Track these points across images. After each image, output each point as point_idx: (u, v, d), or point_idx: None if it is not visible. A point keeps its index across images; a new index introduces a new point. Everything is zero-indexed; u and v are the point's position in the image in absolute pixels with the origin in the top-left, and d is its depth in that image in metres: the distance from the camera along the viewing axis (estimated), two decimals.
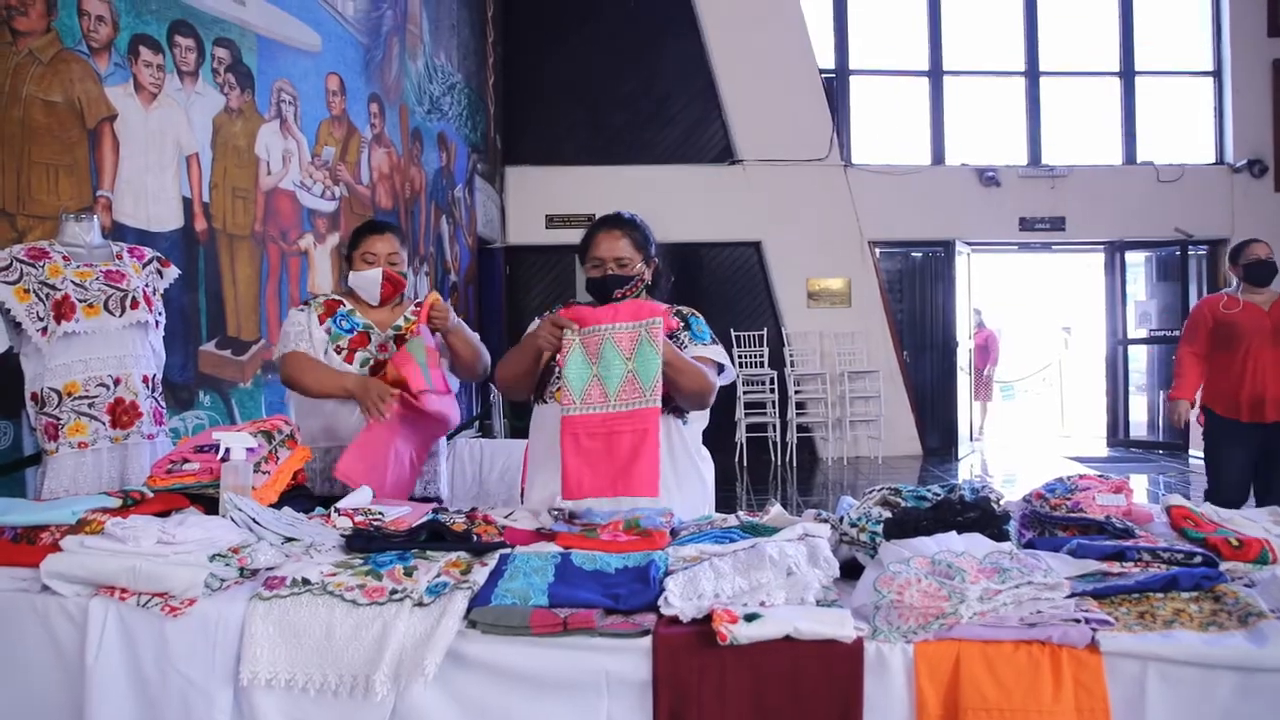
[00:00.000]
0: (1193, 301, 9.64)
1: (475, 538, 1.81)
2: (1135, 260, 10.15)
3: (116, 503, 1.82)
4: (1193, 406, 4.38)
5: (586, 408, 2.16)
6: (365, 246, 2.67)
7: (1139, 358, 10.22)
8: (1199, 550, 1.63)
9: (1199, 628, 1.42)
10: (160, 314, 2.75)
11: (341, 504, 2.05)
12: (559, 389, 2.22)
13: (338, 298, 2.72)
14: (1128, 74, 9.76)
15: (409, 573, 1.60)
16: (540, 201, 9.23)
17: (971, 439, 9.80)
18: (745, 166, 9.30)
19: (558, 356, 2.23)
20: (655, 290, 2.50)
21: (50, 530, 1.70)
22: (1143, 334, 9.90)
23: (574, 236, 9.97)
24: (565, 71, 9.30)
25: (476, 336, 2.77)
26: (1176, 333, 9.40)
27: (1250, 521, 1.84)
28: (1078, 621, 1.41)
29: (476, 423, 7.58)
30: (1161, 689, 1.38)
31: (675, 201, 8.96)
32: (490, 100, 8.66)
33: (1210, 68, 9.74)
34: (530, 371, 2.36)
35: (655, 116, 9.36)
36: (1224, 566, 1.62)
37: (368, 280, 2.65)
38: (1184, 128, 9.80)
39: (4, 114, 2.81)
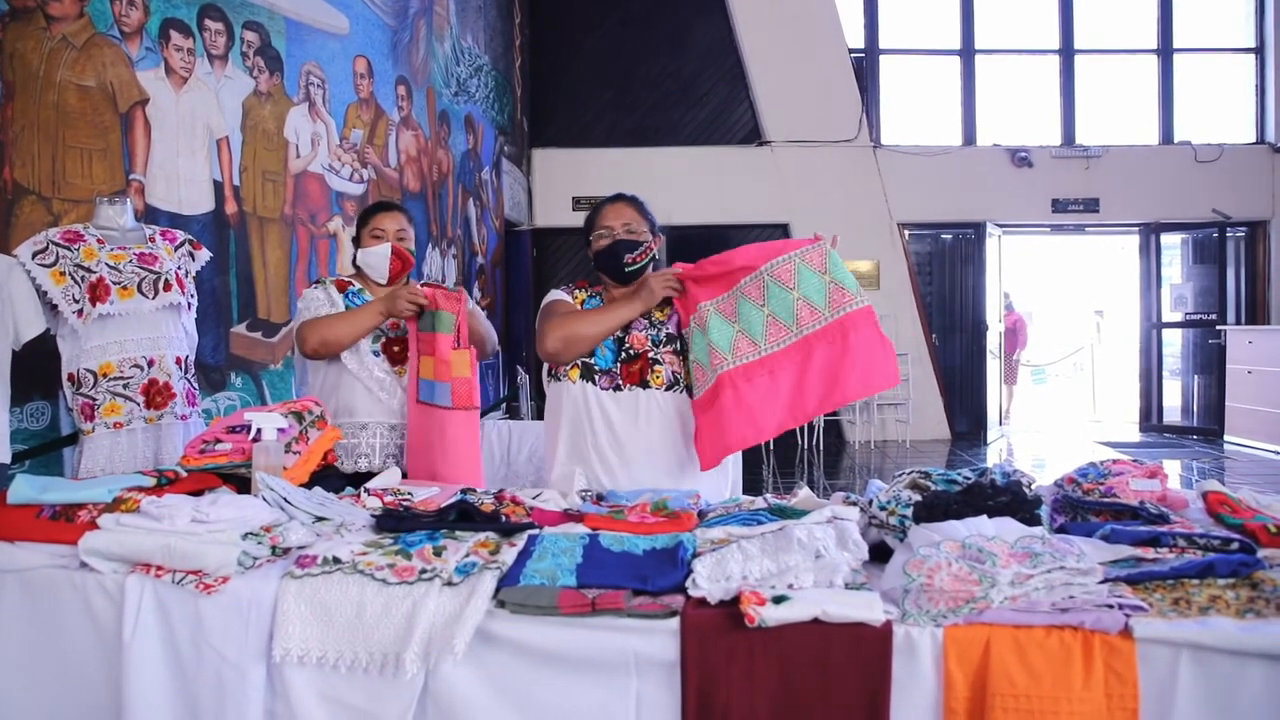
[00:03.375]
0: (1230, 285, 9.45)
1: (503, 518, 1.82)
2: (1171, 242, 9.96)
3: (151, 482, 1.84)
4: None
5: (738, 359, 2.22)
6: (374, 224, 2.66)
7: (1173, 341, 10.06)
8: (1236, 536, 1.60)
9: (1235, 615, 1.39)
10: (192, 296, 2.78)
11: (371, 484, 2.07)
12: (709, 350, 2.23)
13: (346, 278, 2.71)
14: (1165, 51, 9.55)
15: (438, 552, 1.61)
16: (567, 183, 9.22)
17: (1000, 423, 9.70)
18: (773, 148, 9.22)
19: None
20: (656, 268, 2.48)
21: (88, 508, 1.73)
22: (1178, 317, 9.73)
23: None
24: (592, 53, 9.26)
25: (488, 322, 2.77)
26: (1213, 316, 9.26)
27: None
28: (1111, 607, 1.39)
29: (504, 405, 7.61)
30: (1194, 676, 1.36)
31: (702, 183, 8.91)
32: (517, 83, 8.64)
33: (1252, 44, 9.51)
34: (604, 337, 2.32)
35: (682, 98, 9.30)
36: (1262, 553, 1.58)
37: (376, 256, 2.63)
38: (1223, 106, 9.58)
39: (39, 99, 2.84)
